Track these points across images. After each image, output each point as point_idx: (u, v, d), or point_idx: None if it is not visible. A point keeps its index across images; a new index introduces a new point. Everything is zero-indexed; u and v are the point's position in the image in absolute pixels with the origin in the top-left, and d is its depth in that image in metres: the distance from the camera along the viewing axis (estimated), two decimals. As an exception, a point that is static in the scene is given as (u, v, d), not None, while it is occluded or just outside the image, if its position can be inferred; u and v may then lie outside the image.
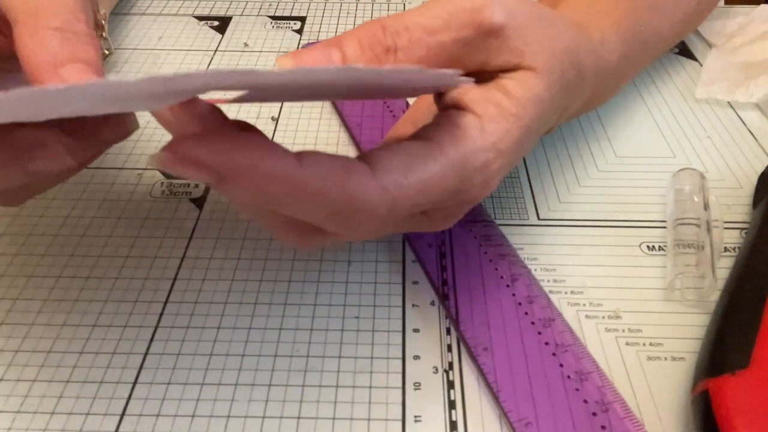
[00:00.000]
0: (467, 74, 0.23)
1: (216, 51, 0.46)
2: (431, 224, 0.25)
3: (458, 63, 0.23)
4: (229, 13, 0.51)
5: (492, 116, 0.22)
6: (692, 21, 0.41)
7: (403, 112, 0.38)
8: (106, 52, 0.42)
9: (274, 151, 0.19)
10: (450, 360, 0.26)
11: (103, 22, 0.39)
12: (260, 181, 0.19)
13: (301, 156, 0.19)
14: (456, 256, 0.29)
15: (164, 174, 0.35)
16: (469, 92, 0.23)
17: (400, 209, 0.21)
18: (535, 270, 0.29)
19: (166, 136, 0.37)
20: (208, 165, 0.18)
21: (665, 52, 0.42)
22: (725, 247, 0.30)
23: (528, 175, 0.35)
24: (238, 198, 0.20)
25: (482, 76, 0.24)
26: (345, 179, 0.19)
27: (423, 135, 0.22)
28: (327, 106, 0.40)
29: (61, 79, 0.21)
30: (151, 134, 0.38)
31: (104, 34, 0.40)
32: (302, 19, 0.50)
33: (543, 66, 0.23)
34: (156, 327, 0.27)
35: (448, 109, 0.23)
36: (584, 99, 0.29)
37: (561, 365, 0.24)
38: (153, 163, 0.18)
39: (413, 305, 0.28)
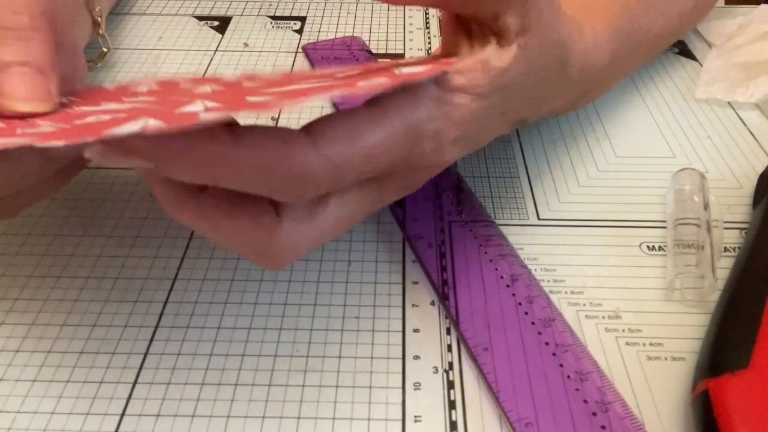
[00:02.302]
0: (471, 14, 0.22)
1: (216, 51, 0.46)
2: (386, 194, 0.24)
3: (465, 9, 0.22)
4: (229, 13, 0.51)
5: (455, 86, 0.22)
6: (688, 21, 0.41)
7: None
8: (104, 50, 0.42)
9: (209, 131, 0.18)
10: (450, 360, 0.26)
11: (99, 19, 0.39)
12: (195, 161, 0.18)
13: (236, 132, 0.19)
14: (456, 256, 0.29)
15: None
16: (457, 43, 0.22)
17: (346, 178, 0.21)
18: (535, 270, 0.29)
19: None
20: (142, 151, 0.18)
21: (661, 51, 0.42)
22: (725, 247, 0.30)
23: (528, 175, 0.35)
24: (179, 178, 0.19)
25: (477, 35, 0.23)
26: (284, 153, 0.19)
27: (374, 102, 0.22)
28: (327, 106, 0.40)
29: None
30: (151, 134, 0.38)
31: (101, 31, 0.40)
32: (302, 19, 0.50)
33: (533, 48, 0.23)
34: (156, 327, 0.27)
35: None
36: (570, 98, 0.29)
37: (561, 365, 0.24)
38: (87, 155, 0.18)
39: (413, 305, 0.28)
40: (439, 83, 0.22)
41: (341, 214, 0.23)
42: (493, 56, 0.22)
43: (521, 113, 0.25)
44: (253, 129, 0.19)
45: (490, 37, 0.22)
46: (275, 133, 0.20)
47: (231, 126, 0.19)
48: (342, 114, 0.21)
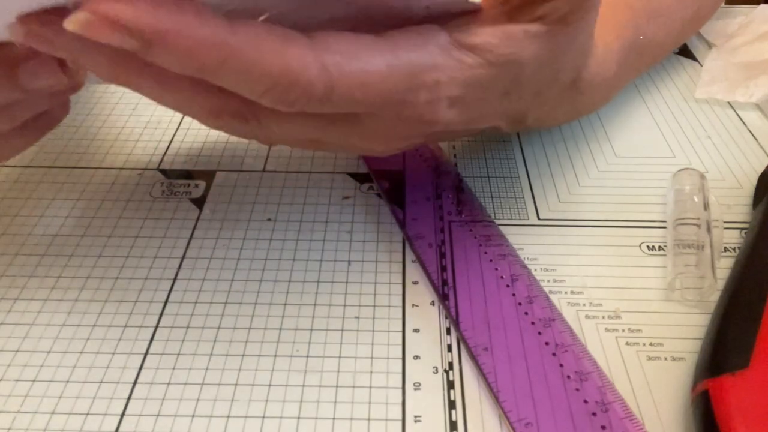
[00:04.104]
0: None
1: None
2: (365, 139, 0.24)
3: None
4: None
5: (469, 44, 0.22)
6: (690, 28, 0.41)
7: None
8: None
9: (205, 14, 0.18)
10: (450, 360, 0.26)
11: None
12: (190, 45, 0.17)
13: (235, 23, 0.18)
14: (456, 256, 0.29)
15: (164, 173, 0.35)
16: (466, 17, 0.22)
17: (337, 96, 0.20)
18: (535, 270, 0.29)
19: (166, 136, 0.37)
20: (133, 26, 0.17)
21: (661, 59, 0.42)
22: (725, 247, 0.30)
23: (528, 175, 0.35)
24: (170, 66, 0.19)
25: (515, 5, 0.22)
26: (283, 49, 0.19)
27: (386, 35, 0.21)
28: None
29: None
30: (151, 134, 0.38)
31: None
32: (302, 19, 0.50)
33: (560, 41, 0.23)
34: (156, 327, 0.27)
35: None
36: (574, 108, 0.28)
37: (561, 365, 0.24)
38: (68, 26, 0.17)
39: (413, 305, 0.28)
40: (453, 34, 0.21)
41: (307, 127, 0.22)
42: (518, 31, 0.22)
43: (522, 103, 0.25)
44: (252, 23, 0.19)
45: (528, 10, 0.22)
46: (276, 30, 0.19)
47: (230, 19, 0.18)
48: (348, 33, 0.20)
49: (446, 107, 0.22)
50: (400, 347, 0.26)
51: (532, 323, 0.26)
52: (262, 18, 0.20)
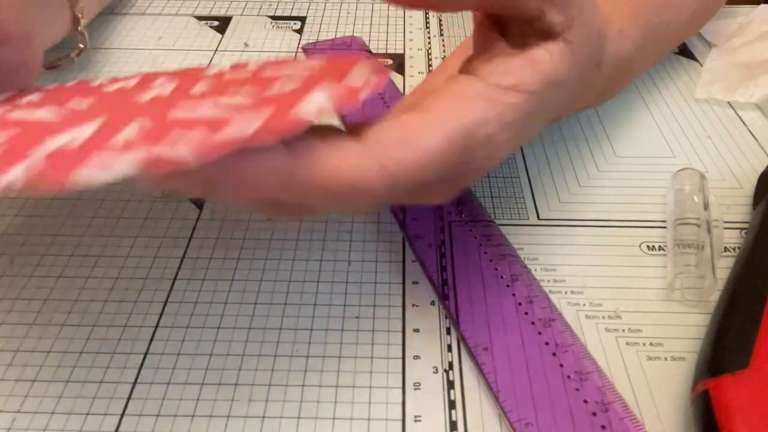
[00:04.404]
0: (515, 15, 0.22)
1: (216, 51, 0.46)
2: (430, 197, 0.24)
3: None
4: (229, 13, 0.51)
5: (506, 87, 0.21)
6: (699, 19, 0.41)
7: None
8: (81, 46, 0.42)
9: (264, 151, 0.17)
10: (450, 360, 0.26)
11: (79, 15, 0.39)
12: (251, 180, 0.17)
13: (290, 144, 0.18)
14: (456, 256, 0.29)
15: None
16: (486, 58, 0.22)
17: (401, 187, 0.20)
18: (535, 270, 0.29)
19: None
20: (190, 174, 0.16)
21: (672, 50, 0.42)
22: (725, 247, 0.30)
23: (528, 175, 0.35)
24: (232, 202, 0.19)
25: (515, 35, 0.22)
26: (340, 163, 0.18)
27: (424, 105, 0.21)
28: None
29: None
30: (151, 134, 0.38)
31: (80, 28, 0.40)
32: (302, 19, 0.50)
33: (577, 43, 0.22)
34: (156, 327, 0.27)
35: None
36: (597, 92, 0.28)
37: (561, 365, 0.24)
38: (131, 172, 0.16)
39: (413, 305, 0.28)
40: (488, 81, 0.21)
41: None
42: (541, 54, 0.22)
43: (562, 110, 0.25)
44: (306, 139, 0.18)
45: (531, 35, 0.22)
46: (330, 141, 0.19)
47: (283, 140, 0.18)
48: (394, 119, 0.20)
49: (503, 149, 0.22)
50: (400, 347, 0.26)
51: (532, 323, 0.26)
52: None
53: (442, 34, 0.48)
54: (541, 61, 0.22)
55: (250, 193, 0.18)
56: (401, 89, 0.41)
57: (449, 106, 0.21)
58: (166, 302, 0.28)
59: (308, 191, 0.19)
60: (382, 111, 0.39)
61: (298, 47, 0.46)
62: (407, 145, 0.19)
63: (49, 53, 0.40)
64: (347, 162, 0.19)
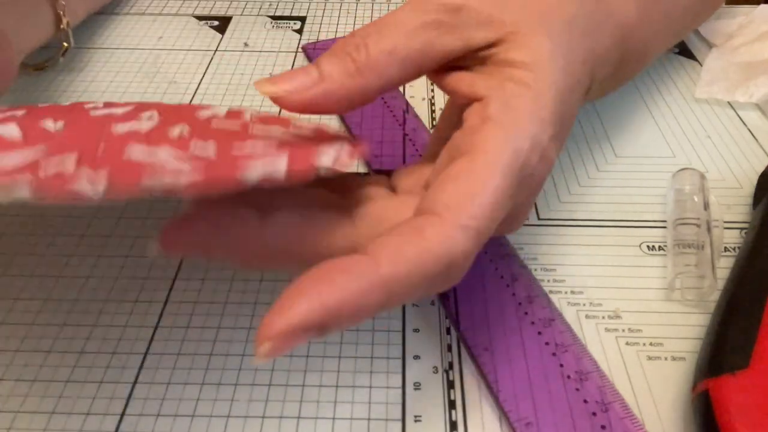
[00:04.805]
0: (455, 59, 0.23)
1: (216, 51, 0.46)
2: (512, 226, 0.24)
3: (436, 45, 0.22)
4: (229, 13, 0.51)
5: (513, 93, 0.21)
6: (705, 8, 0.40)
7: (402, 111, 0.38)
8: (65, 45, 0.41)
9: (356, 268, 0.18)
10: (450, 360, 0.26)
11: (61, 13, 0.39)
12: (356, 308, 0.17)
13: (374, 250, 0.18)
14: (456, 256, 0.29)
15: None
16: (476, 83, 0.22)
17: (485, 235, 0.20)
18: (535, 270, 0.29)
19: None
20: (311, 324, 0.17)
21: (686, 34, 0.41)
22: (725, 247, 0.30)
23: (528, 175, 0.35)
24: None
25: (475, 60, 0.23)
26: (425, 249, 0.18)
27: (460, 149, 0.21)
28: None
29: None
30: (151, 134, 0.38)
31: (62, 26, 0.40)
32: (302, 19, 0.50)
33: (534, 23, 0.22)
34: (156, 327, 0.27)
35: (463, 109, 0.22)
36: (612, 60, 0.27)
37: (561, 365, 0.24)
38: (257, 361, 0.16)
39: (413, 305, 0.28)
40: (500, 98, 0.21)
41: None
42: (516, 71, 0.22)
43: (583, 83, 0.25)
44: (387, 240, 0.18)
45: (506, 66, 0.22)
46: (407, 231, 0.19)
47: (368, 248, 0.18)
48: (445, 177, 0.20)
49: (553, 146, 0.22)
50: (400, 347, 0.26)
51: (532, 323, 0.26)
52: None
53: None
54: (521, 61, 0.22)
55: (355, 316, 0.18)
56: (401, 89, 0.41)
57: (484, 137, 0.21)
58: (166, 302, 0.28)
59: (411, 288, 0.18)
60: (381, 110, 0.39)
61: (298, 47, 0.46)
62: (474, 196, 0.19)
63: (37, 55, 0.40)
64: (432, 242, 0.18)
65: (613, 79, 0.29)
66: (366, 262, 0.18)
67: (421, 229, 0.19)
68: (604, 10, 0.26)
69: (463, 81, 0.23)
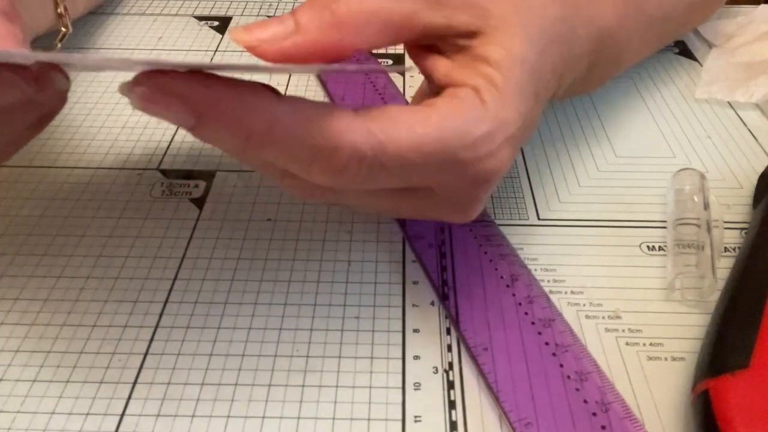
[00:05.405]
0: (435, 38, 0.23)
1: (216, 51, 0.46)
2: (442, 208, 0.24)
3: (418, 18, 0.22)
4: (229, 13, 0.51)
5: (484, 86, 0.22)
6: (699, 10, 0.40)
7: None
8: (63, 30, 0.41)
9: (252, 85, 0.19)
10: (450, 360, 0.26)
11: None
12: (239, 116, 0.18)
13: (281, 95, 0.19)
14: (456, 256, 0.29)
15: (164, 173, 0.35)
16: (452, 72, 0.23)
17: (389, 159, 0.20)
18: (535, 270, 0.29)
19: (166, 136, 0.37)
20: (186, 100, 0.18)
21: (671, 39, 0.41)
22: (725, 247, 0.30)
23: (528, 175, 0.35)
24: (218, 141, 0.20)
25: (454, 47, 0.23)
26: (326, 116, 0.19)
27: (428, 101, 0.22)
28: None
29: None
30: (151, 134, 0.38)
31: (60, 11, 0.39)
32: (302, 19, 0.50)
33: (516, 22, 0.23)
34: (156, 327, 0.27)
35: (436, 93, 0.23)
36: (584, 60, 0.27)
37: (561, 365, 0.24)
38: (125, 93, 0.17)
39: (413, 305, 0.28)
40: (474, 87, 0.22)
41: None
42: (487, 67, 0.22)
43: (551, 88, 0.25)
44: (297, 97, 0.19)
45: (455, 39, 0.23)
46: (319, 103, 0.20)
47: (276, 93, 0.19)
48: (392, 105, 0.21)
49: (508, 147, 0.22)
50: (400, 347, 0.26)
51: (532, 323, 0.26)
52: None
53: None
54: (495, 59, 0.22)
55: (236, 128, 0.19)
56: (401, 89, 0.41)
57: (447, 103, 0.21)
58: (166, 302, 0.28)
59: (293, 142, 0.19)
60: (371, 92, 0.40)
61: (298, 47, 0.46)
62: (401, 123, 0.20)
63: (34, 44, 0.40)
64: (334, 117, 0.19)
65: (583, 82, 0.30)
66: (269, 93, 0.19)
67: (336, 110, 0.20)
68: (583, 16, 0.27)
69: (440, 67, 0.23)
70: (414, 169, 0.21)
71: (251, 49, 0.21)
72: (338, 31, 0.21)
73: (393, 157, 0.20)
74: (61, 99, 0.25)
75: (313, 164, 0.20)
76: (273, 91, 0.19)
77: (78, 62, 0.19)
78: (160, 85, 0.18)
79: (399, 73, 0.43)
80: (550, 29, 0.24)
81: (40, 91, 0.22)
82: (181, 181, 0.34)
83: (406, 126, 0.20)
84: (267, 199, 0.33)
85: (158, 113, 0.18)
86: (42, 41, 0.40)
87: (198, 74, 0.18)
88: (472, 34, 0.23)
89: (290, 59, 0.21)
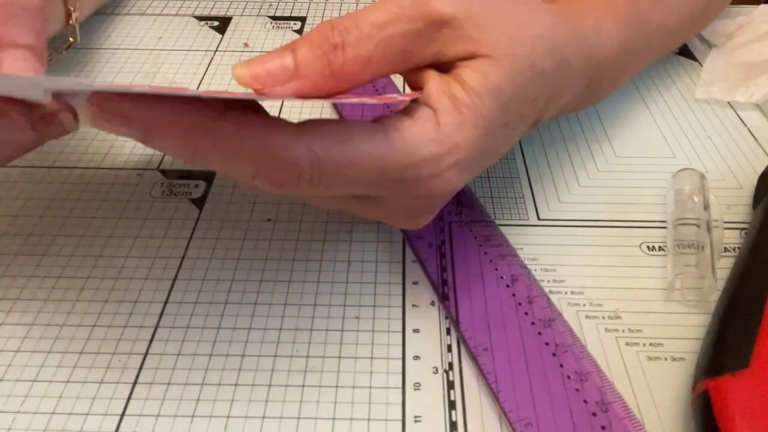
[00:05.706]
0: (424, 66, 0.23)
1: (216, 51, 0.46)
2: (390, 215, 0.25)
3: (410, 56, 0.23)
4: (229, 13, 0.51)
5: (447, 108, 0.22)
6: (699, 21, 0.40)
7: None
8: (71, 40, 0.41)
9: (196, 104, 0.20)
10: (450, 360, 0.26)
11: (72, 9, 0.39)
12: (182, 132, 0.19)
13: (226, 111, 0.20)
14: (456, 256, 0.29)
15: (164, 173, 0.35)
16: (428, 84, 0.23)
17: (327, 177, 0.21)
18: (535, 270, 0.29)
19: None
20: (132, 118, 0.19)
21: (672, 49, 0.42)
22: (725, 247, 0.30)
23: (528, 175, 0.35)
24: (169, 153, 0.21)
25: (442, 66, 0.24)
26: (266, 132, 0.20)
27: (376, 120, 0.22)
28: (327, 106, 0.40)
29: None
30: (151, 134, 0.38)
31: (71, 22, 0.40)
32: (302, 19, 0.50)
33: (502, 53, 0.23)
34: (156, 327, 0.27)
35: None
36: (577, 90, 0.28)
37: (561, 365, 0.24)
38: (81, 116, 0.19)
39: (413, 305, 0.28)
40: (434, 108, 0.23)
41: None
42: (459, 90, 0.23)
43: (526, 118, 0.25)
44: (243, 112, 0.20)
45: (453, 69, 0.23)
46: (261, 117, 0.20)
47: (222, 108, 0.20)
48: (339, 121, 0.22)
49: (455, 171, 0.23)
50: (400, 347, 0.26)
51: (532, 323, 0.26)
52: None
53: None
54: (469, 83, 0.23)
55: (181, 142, 0.20)
56: (401, 89, 0.41)
57: (396, 122, 0.22)
58: (166, 302, 0.28)
59: (234, 155, 0.20)
60: (381, 111, 0.39)
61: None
62: (343, 141, 0.21)
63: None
64: (274, 133, 0.20)
65: (579, 102, 0.30)
66: (213, 111, 0.20)
67: (276, 126, 0.20)
68: (582, 51, 0.27)
69: (420, 81, 0.24)
70: (354, 184, 0.22)
71: (255, 91, 0.22)
72: (335, 80, 0.22)
73: (331, 174, 0.21)
74: (65, 131, 0.26)
75: (256, 178, 0.21)
76: (225, 108, 0.20)
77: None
78: (107, 107, 0.19)
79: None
80: (540, 63, 0.24)
81: (45, 127, 0.23)
82: (181, 181, 0.34)
83: (350, 144, 0.21)
84: (267, 199, 0.33)
85: (108, 131, 0.19)
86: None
87: (148, 97, 0.19)
88: (464, 58, 0.23)
89: (291, 98, 0.22)
